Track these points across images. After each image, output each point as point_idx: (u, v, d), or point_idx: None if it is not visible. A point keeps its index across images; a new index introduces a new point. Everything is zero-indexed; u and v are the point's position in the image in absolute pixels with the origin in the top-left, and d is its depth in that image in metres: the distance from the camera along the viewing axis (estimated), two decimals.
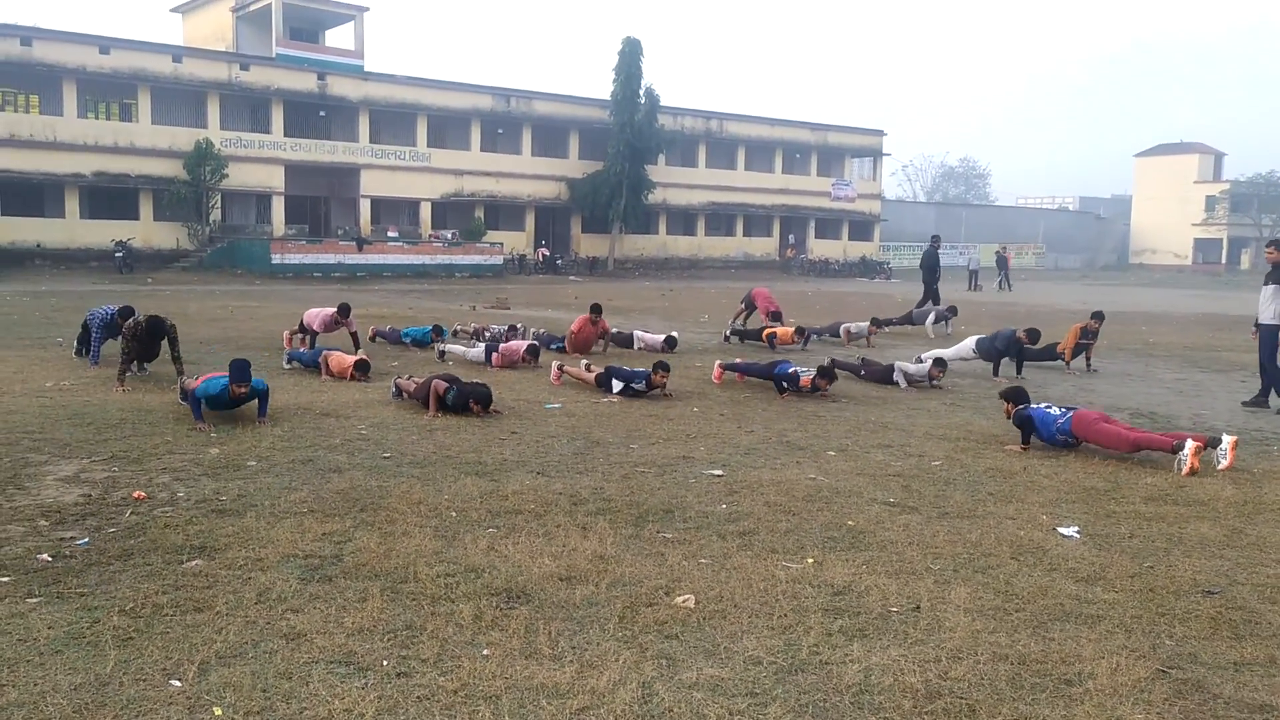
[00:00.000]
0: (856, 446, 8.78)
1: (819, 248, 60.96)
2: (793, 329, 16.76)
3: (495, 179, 49.16)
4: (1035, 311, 27.99)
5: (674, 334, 16.39)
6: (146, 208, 40.07)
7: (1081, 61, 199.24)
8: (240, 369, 8.92)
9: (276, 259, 37.55)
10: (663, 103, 50.18)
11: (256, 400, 9.13)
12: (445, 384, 9.80)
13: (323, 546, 5.49)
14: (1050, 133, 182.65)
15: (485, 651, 4.15)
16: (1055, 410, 8.75)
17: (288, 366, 12.80)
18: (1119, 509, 6.77)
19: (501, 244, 45.56)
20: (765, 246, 59.50)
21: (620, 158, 48.78)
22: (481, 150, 49.11)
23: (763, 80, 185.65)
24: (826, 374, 11.51)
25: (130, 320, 11.30)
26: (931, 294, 23.93)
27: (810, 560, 5.49)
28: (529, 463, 7.78)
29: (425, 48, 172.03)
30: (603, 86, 50.62)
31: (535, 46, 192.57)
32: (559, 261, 48.40)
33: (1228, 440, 7.98)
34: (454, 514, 6.25)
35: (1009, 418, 9.04)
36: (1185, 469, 7.72)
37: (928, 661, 4.17)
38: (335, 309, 13.86)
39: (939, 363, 12.63)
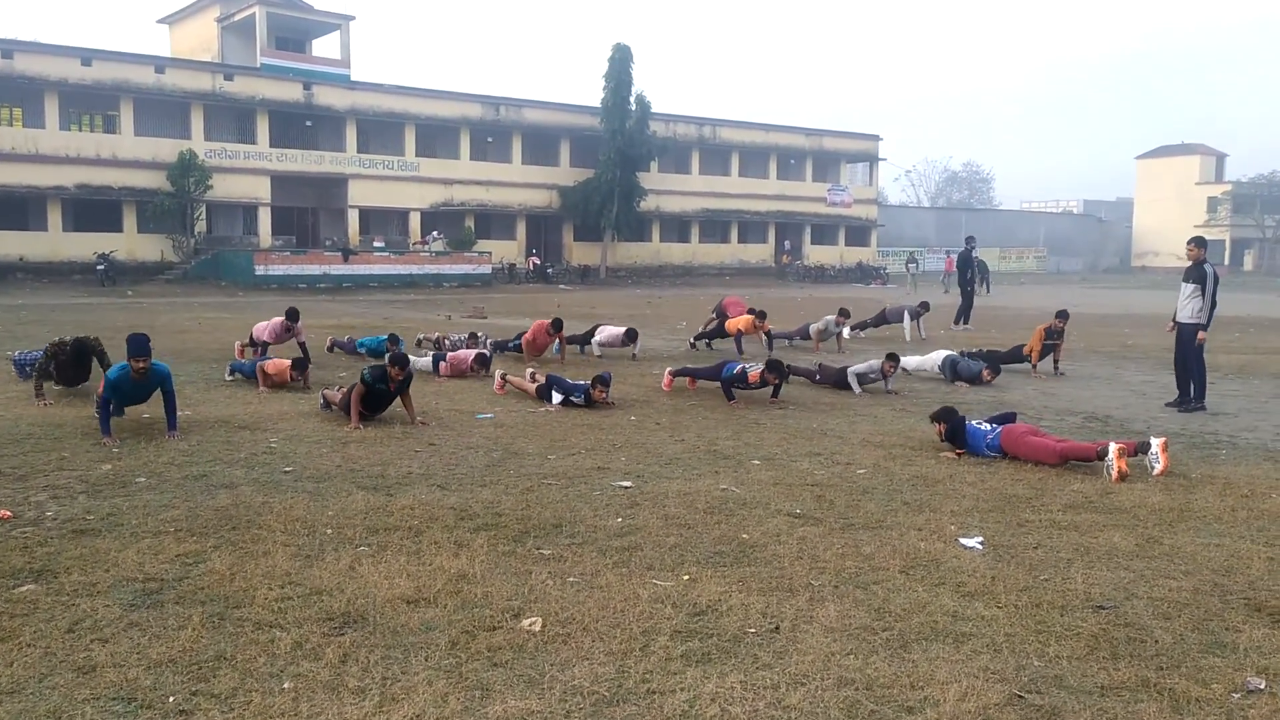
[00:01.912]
0: (785, 455, 8.47)
1: (815, 254, 60.60)
2: (753, 316, 16.21)
3: (485, 188, 48.89)
4: (1021, 314, 27.65)
5: (633, 328, 16.14)
6: (130, 220, 39.85)
7: (1085, 64, 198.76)
8: (137, 342, 8.64)
9: (260, 270, 37.31)
10: (654, 109, 49.96)
11: (165, 405, 8.87)
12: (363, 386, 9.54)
13: (170, 569, 5.20)
14: (1054, 136, 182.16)
15: (286, 684, 3.85)
16: (985, 426, 8.52)
17: (229, 378, 12.54)
18: (1034, 517, 6.45)
19: (490, 253, 45.19)
20: (760, 253, 59.14)
21: (612, 165, 48.51)
22: (471, 159, 48.81)
23: (758, 85, 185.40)
24: (774, 368, 11.20)
25: (55, 341, 11.06)
26: (967, 298, 23.28)
27: (685, 577, 5.18)
28: (434, 476, 7.48)
29: (413, 56, 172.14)
30: (593, 94, 50.30)
31: (524, 54, 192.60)
32: (550, 270, 48.09)
33: (1156, 443, 7.65)
34: (329, 531, 5.95)
35: (940, 439, 8.77)
36: (1114, 475, 7.39)
37: (764, 688, 3.86)
38: (283, 316, 13.66)
39: (891, 356, 12.26)
